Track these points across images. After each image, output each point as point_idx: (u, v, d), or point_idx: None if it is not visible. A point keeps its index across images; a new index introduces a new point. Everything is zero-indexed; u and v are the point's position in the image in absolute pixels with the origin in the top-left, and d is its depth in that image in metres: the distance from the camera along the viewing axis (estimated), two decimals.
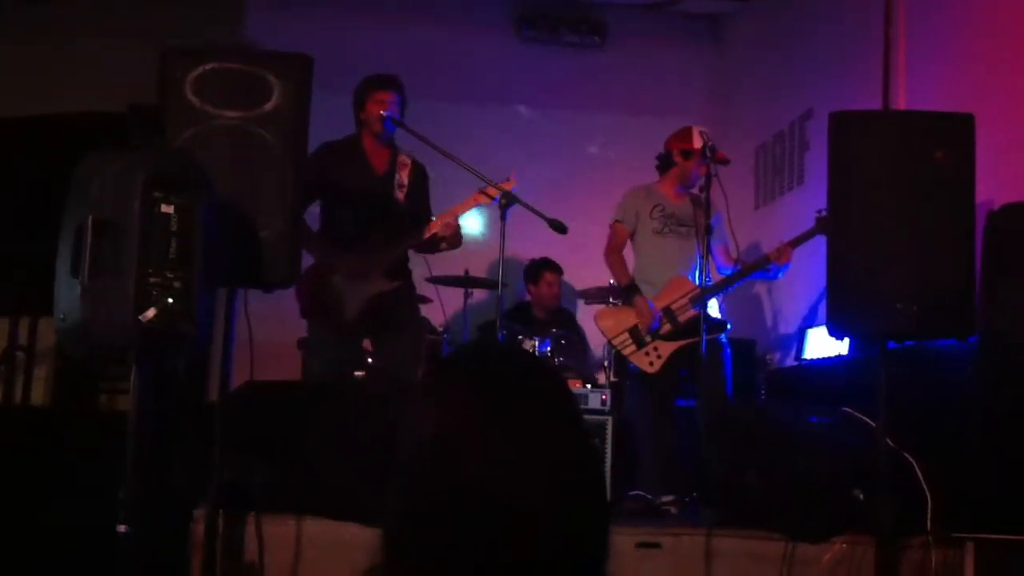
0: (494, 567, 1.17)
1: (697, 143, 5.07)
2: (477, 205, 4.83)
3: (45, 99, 6.65)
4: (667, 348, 5.01)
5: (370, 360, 5.08)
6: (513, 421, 1.21)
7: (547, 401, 1.27)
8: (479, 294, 6.68)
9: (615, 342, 5.13)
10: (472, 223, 7.39)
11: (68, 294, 2.88)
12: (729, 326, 5.17)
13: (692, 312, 4.93)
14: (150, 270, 2.87)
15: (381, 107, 4.75)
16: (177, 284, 2.90)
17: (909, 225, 3.52)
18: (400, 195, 4.86)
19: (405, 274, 4.93)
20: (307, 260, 4.33)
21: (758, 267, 5.13)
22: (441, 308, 6.06)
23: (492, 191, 4.67)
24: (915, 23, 5.53)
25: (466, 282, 6.30)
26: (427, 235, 4.77)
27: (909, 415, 3.72)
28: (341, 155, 4.83)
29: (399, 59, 7.52)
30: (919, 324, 3.52)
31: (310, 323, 4.85)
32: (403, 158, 4.92)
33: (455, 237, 4.86)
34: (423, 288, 5.80)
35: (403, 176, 4.88)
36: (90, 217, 2.82)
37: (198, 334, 2.98)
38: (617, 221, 5.29)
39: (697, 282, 4.97)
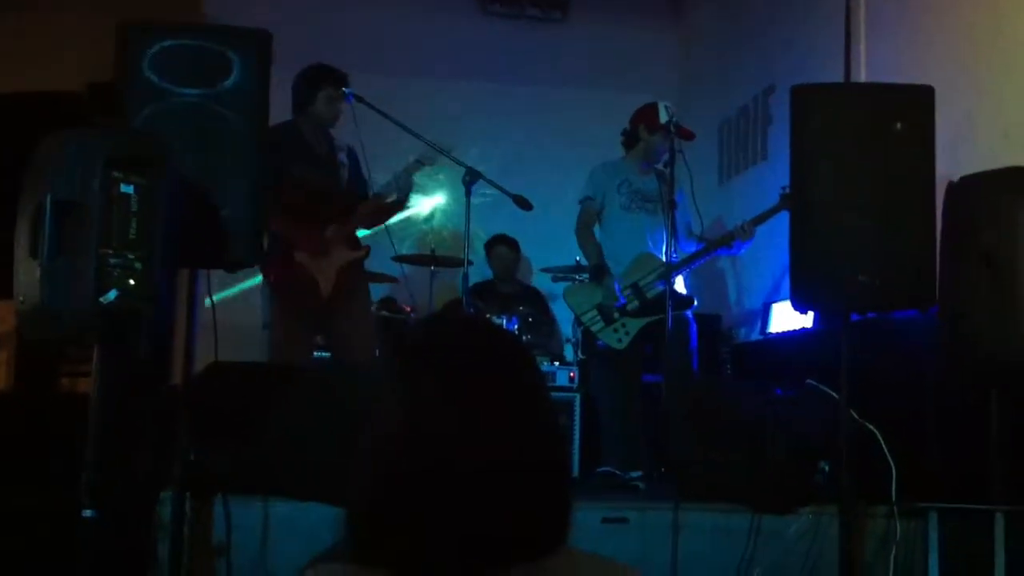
0: (458, 538, 1.17)
1: (662, 118, 5.08)
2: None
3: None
4: (635, 324, 5.03)
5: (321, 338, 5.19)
6: (475, 394, 1.22)
7: (508, 370, 1.27)
8: (445, 272, 6.66)
9: (584, 319, 5.13)
10: (437, 200, 7.37)
11: (27, 275, 2.83)
12: (696, 302, 5.19)
13: (659, 288, 4.95)
14: (110, 251, 2.83)
15: (336, 102, 4.88)
16: (138, 264, 2.86)
17: (870, 198, 3.53)
18: (344, 173, 5.00)
19: (360, 244, 5.08)
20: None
21: (722, 244, 5.16)
22: (407, 287, 6.05)
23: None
24: None
25: (432, 260, 6.29)
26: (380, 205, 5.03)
27: (872, 386, 3.75)
28: (281, 140, 4.82)
29: (362, 33, 7.49)
30: (880, 296, 3.54)
31: (281, 304, 4.81)
32: (338, 140, 5.06)
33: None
34: (389, 267, 5.78)
35: (342, 156, 5.02)
36: (49, 197, 2.78)
37: (159, 315, 2.95)
38: (587, 198, 5.29)
39: (663, 258, 4.99)
